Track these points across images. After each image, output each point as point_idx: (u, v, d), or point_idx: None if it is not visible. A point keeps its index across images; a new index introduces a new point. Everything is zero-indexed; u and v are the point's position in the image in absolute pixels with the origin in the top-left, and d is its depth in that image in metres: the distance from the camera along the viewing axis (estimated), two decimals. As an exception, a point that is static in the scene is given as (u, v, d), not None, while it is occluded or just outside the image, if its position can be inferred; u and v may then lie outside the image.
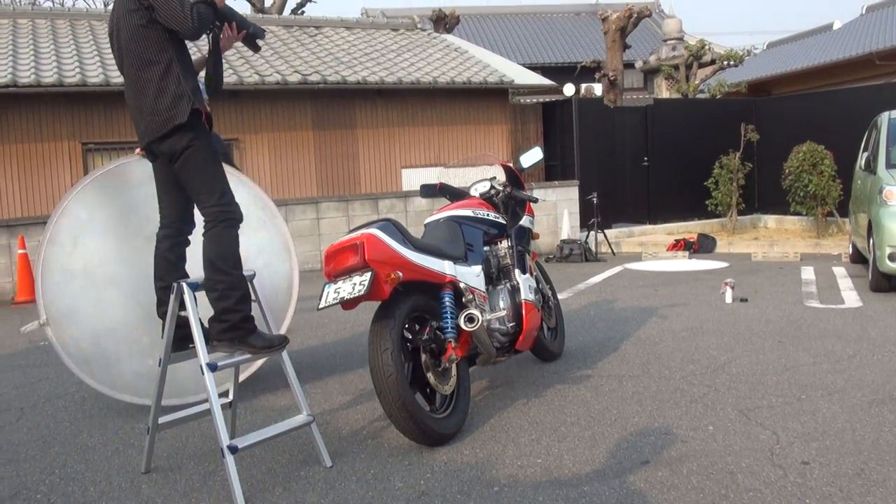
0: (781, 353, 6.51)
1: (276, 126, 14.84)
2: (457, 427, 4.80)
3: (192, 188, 4.41)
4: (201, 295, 4.33)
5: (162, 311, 4.56)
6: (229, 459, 3.91)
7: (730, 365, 6.20)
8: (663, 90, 22.86)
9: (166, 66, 4.27)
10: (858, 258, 11.52)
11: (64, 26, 15.94)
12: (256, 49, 4.89)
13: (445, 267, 4.97)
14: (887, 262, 8.91)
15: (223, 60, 4.81)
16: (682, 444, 4.50)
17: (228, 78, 13.42)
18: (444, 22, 21.95)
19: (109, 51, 14.04)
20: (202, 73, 4.76)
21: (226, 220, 4.34)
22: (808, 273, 11.25)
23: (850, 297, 9.15)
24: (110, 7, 24.53)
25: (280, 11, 25.10)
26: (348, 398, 5.77)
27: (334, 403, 5.65)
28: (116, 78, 12.96)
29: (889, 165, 9.85)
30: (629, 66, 23.84)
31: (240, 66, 14.62)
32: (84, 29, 15.94)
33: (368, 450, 4.67)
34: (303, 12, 26.23)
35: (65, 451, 4.95)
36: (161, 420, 4.49)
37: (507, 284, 5.68)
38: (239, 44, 4.79)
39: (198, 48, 12.76)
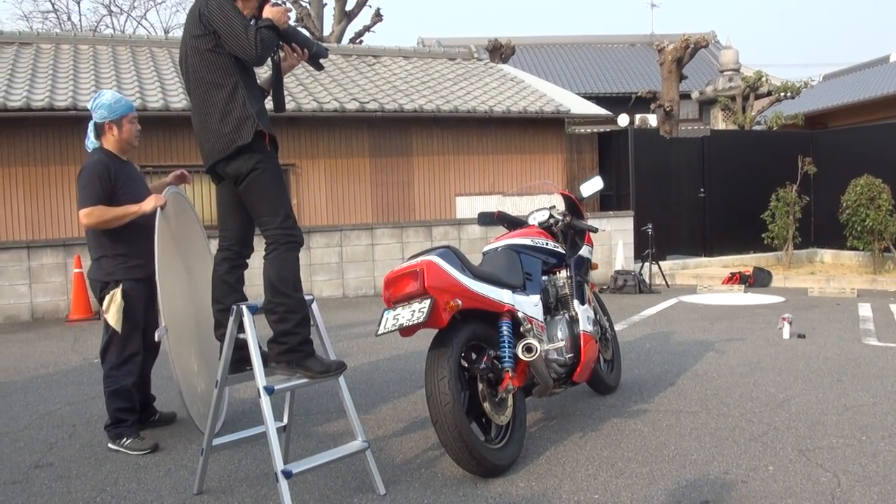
0: (841, 392, 6.37)
1: (333, 152, 14.93)
2: (512, 458, 4.74)
3: (254, 210, 4.43)
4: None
5: (220, 334, 4.57)
6: (283, 484, 3.90)
7: (789, 403, 6.08)
8: (719, 121, 22.72)
9: (232, 89, 4.32)
10: (916, 295, 11.34)
11: (125, 53, 16.23)
12: (320, 68, 4.90)
13: (504, 296, 4.93)
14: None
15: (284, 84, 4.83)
16: (742, 485, 4.41)
17: (287, 105, 13.51)
18: (500, 52, 21.99)
19: (169, 77, 14.46)
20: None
21: (287, 242, 4.35)
22: (865, 310, 11.04)
23: (910, 335, 8.97)
24: (171, 35, 24.91)
25: (339, 40, 25.35)
26: (402, 425, 5.73)
27: (388, 430, 5.62)
28: (176, 104, 13.16)
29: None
30: (685, 96, 23.69)
31: (298, 93, 14.76)
32: (144, 55, 16.21)
33: (422, 479, 4.63)
34: (361, 41, 26.46)
35: (116, 469, 4.96)
36: (215, 442, 4.49)
37: (566, 315, 5.62)
38: (300, 67, 4.83)
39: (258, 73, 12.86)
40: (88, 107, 5.64)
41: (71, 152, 13.12)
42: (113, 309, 5.30)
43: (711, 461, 4.80)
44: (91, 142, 5.60)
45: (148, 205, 5.27)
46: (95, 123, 5.54)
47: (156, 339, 5.15)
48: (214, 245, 4.87)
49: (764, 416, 5.73)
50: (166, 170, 13.45)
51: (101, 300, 5.40)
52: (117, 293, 5.32)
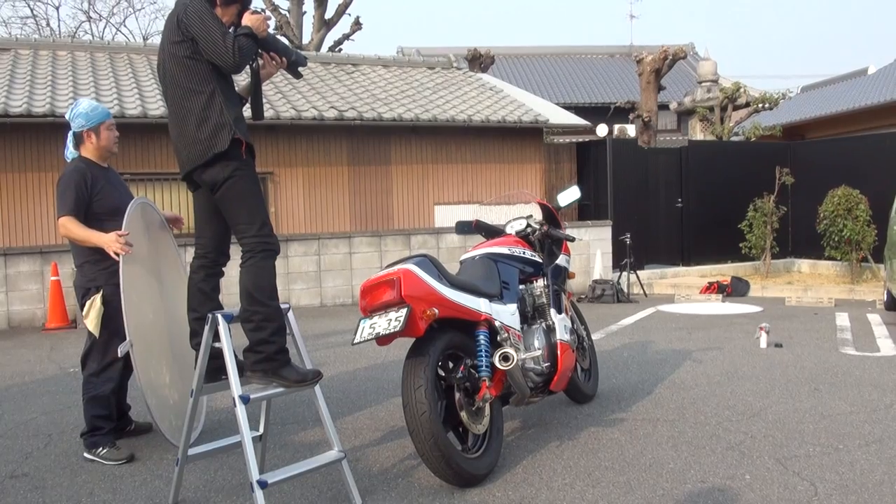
0: (818, 401, 6.40)
1: (312, 161, 14.90)
2: (489, 468, 4.73)
3: (231, 218, 4.41)
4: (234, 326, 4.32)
5: (195, 343, 4.54)
6: (258, 494, 3.88)
7: (766, 412, 6.10)
8: (698, 132, 22.79)
9: (209, 96, 4.30)
10: (893, 305, 11.38)
11: (103, 59, 16.15)
12: (298, 76, 4.90)
13: (481, 305, 4.93)
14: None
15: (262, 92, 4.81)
16: (718, 493, 4.42)
17: (265, 112, 13.47)
18: (479, 61, 22.00)
19: (147, 84, 14.41)
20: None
21: (263, 250, 4.33)
22: (842, 319, 11.11)
23: (886, 345, 9.01)
24: (150, 42, 24.84)
25: (318, 48, 25.31)
26: (379, 435, 5.72)
27: (365, 440, 5.60)
28: (154, 110, 13.10)
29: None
30: (663, 107, 23.76)
31: (277, 101, 14.73)
32: (123, 62, 16.14)
33: (399, 489, 4.61)
34: (340, 50, 26.44)
35: (92, 479, 4.92)
36: (190, 452, 4.46)
37: (543, 324, 5.63)
38: (279, 76, 4.80)
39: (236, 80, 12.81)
40: (66, 117, 5.58)
41: (48, 159, 13.04)
42: (92, 314, 5.26)
43: (688, 470, 4.81)
44: (70, 152, 5.57)
45: (109, 246, 5.12)
46: (74, 133, 5.52)
47: (119, 354, 5.11)
48: (190, 253, 4.84)
49: (741, 424, 5.75)
50: (144, 177, 13.46)
51: (83, 306, 5.37)
52: (97, 298, 5.28)
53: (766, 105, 22.59)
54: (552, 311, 5.69)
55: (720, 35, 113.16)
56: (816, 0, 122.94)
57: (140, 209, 5.49)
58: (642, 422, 5.87)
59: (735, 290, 14.58)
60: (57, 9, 58.19)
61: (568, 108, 20.27)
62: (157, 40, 30.50)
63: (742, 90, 22.39)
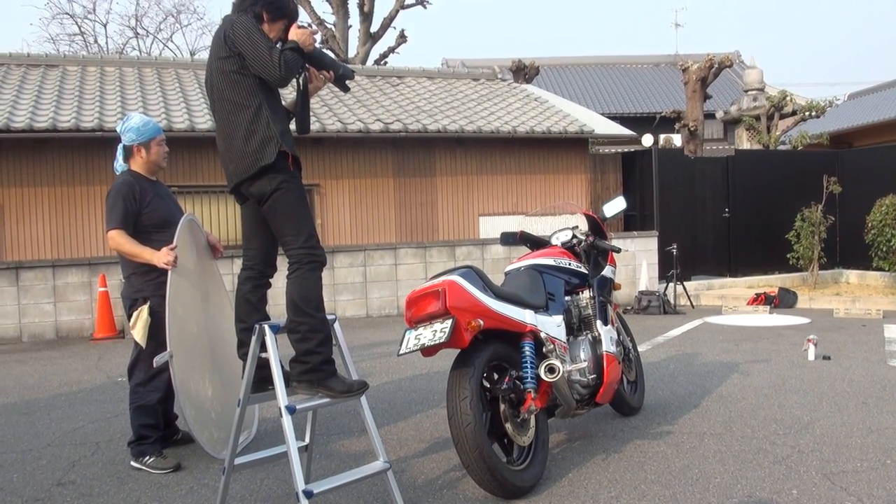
0: (866, 415, 6.31)
1: (357, 173, 14.99)
2: (534, 480, 4.72)
3: (278, 229, 4.45)
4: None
5: (242, 353, 4.58)
6: (304, 504, 3.89)
7: (813, 425, 6.02)
8: (744, 141, 22.59)
9: (256, 110, 4.34)
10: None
11: (151, 74, 16.37)
12: (346, 89, 4.92)
13: (526, 316, 4.92)
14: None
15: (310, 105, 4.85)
16: (766, 507, 4.38)
17: (311, 125, 13.56)
18: (523, 72, 22.03)
19: (195, 98, 14.57)
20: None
21: (310, 262, 4.36)
22: (891, 331, 10.93)
23: (937, 357, 8.86)
24: (197, 56, 25.12)
25: (364, 62, 25.46)
26: (424, 446, 5.72)
27: (410, 450, 5.61)
28: (202, 124, 13.26)
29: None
30: (709, 116, 23.61)
31: (323, 114, 14.83)
32: (170, 77, 16.35)
33: (444, 500, 4.61)
34: (385, 62, 26.57)
35: (139, 487, 4.98)
36: (237, 461, 4.49)
37: (589, 335, 5.60)
38: (325, 89, 4.82)
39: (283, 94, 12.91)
40: (117, 130, 5.69)
41: (96, 173, 13.24)
42: (139, 325, 5.34)
43: (735, 484, 4.76)
44: (119, 164, 5.68)
45: (159, 260, 5.25)
46: (124, 146, 5.62)
47: (154, 364, 5.16)
48: (238, 266, 4.89)
49: (788, 438, 5.68)
50: (191, 190, 13.61)
51: (130, 317, 5.44)
52: (144, 310, 5.36)
53: (813, 113, 22.34)
54: (598, 322, 5.66)
55: (766, 43, 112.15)
56: (863, 7, 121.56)
57: (188, 225, 5.56)
58: (689, 435, 5.82)
59: (782, 301, 14.43)
60: (104, 26, 58.77)
61: (613, 118, 20.22)
62: (204, 55, 30.89)
63: (788, 98, 22.16)
